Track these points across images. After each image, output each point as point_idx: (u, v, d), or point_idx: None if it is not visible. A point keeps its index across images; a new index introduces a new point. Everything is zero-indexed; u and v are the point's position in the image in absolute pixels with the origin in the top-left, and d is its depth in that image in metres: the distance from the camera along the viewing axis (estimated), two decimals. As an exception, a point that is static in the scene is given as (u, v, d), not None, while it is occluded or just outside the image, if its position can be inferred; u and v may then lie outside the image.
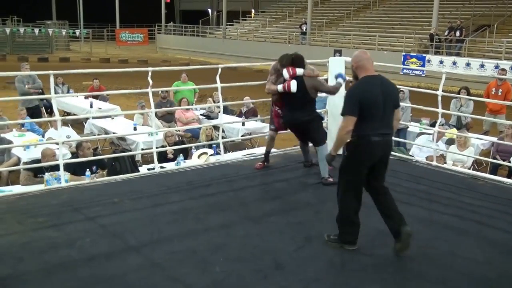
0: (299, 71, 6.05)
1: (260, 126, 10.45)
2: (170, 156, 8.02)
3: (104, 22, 39.49)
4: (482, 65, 20.43)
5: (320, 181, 6.08)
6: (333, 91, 6.35)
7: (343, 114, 4.13)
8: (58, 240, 4.40)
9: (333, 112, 7.11)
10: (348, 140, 4.18)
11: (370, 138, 4.08)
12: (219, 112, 7.87)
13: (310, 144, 6.59)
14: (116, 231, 4.61)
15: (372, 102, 4.06)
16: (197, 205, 5.32)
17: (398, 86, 8.96)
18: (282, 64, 6.15)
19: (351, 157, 4.24)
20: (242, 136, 9.95)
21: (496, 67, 18.84)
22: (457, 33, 22.61)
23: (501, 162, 8.01)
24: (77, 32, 37.10)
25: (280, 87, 6.08)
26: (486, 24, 23.60)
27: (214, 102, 11.62)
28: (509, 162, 8.05)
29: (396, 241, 4.23)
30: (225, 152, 7.92)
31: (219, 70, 6.76)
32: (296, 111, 6.09)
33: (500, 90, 10.60)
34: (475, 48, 22.67)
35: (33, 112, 10.79)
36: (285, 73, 6.06)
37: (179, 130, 10.12)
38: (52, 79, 5.89)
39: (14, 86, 11.52)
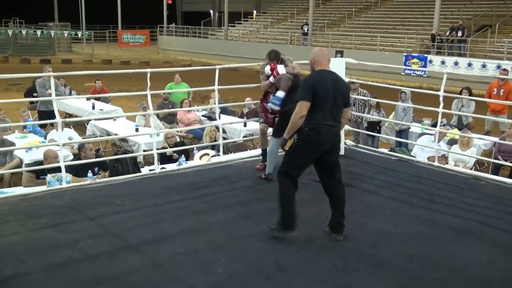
0: (280, 68, 6.06)
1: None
2: (175, 156, 8.01)
3: (106, 24, 39.54)
4: (484, 66, 20.41)
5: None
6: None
7: (298, 99, 4.35)
8: (60, 241, 4.41)
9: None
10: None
11: (320, 129, 4.31)
12: (219, 113, 7.87)
13: None
14: (118, 232, 4.62)
15: (323, 93, 4.29)
16: (199, 205, 5.33)
17: (399, 87, 9.05)
18: (270, 58, 6.16)
19: (300, 145, 4.43)
20: (244, 137, 9.95)
21: (498, 67, 18.83)
22: (459, 33, 22.59)
23: (503, 162, 8.00)
24: (79, 33, 37.14)
25: (271, 79, 6.10)
26: (488, 24, 23.57)
27: (214, 103, 11.65)
28: (511, 162, 8.05)
29: (329, 226, 4.54)
30: (227, 153, 7.94)
31: (217, 72, 6.76)
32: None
33: (502, 90, 10.60)
34: (476, 49, 22.65)
35: (50, 116, 10.53)
36: (267, 69, 6.10)
37: (180, 131, 10.13)
38: (52, 81, 5.90)
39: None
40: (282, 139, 4.65)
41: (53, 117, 10.52)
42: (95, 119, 10.95)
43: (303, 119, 4.31)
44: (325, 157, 4.42)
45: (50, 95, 10.72)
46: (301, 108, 4.30)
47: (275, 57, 6.18)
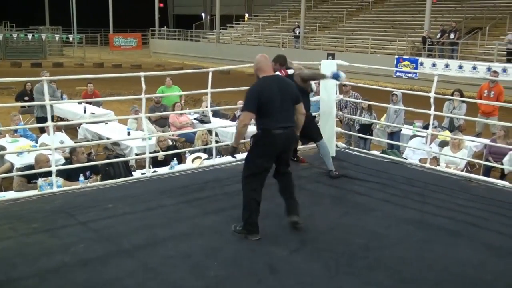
0: (290, 71, 6.13)
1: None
2: (160, 156, 7.99)
3: (98, 27, 39.42)
4: (474, 68, 20.52)
5: (328, 175, 6.39)
6: (314, 76, 6.55)
7: (242, 109, 4.62)
8: (51, 245, 4.39)
9: (325, 112, 7.17)
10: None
11: (272, 131, 4.51)
12: (213, 116, 7.87)
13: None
14: (110, 236, 4.60)
15: (269, 98, 4.50)
16: (191, 209, 5.32)
17: (391, 89, 9.09)
18: (280, 63, 6.16)
19: (255, 149, 4.65)
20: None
21: (488, 69, 18.94)
22: (452, 35, 22.72)
23: (493, 164, 8.05)
24: (71, 37, 37.00)
25: None
26: (478, 27, 23.72)
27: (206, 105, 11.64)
28: (502, 163, 8.10)
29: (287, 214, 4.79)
30: (219, 156, 7.92)
31: (210, 74, 6.76)
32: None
33: (492, 92, 10.67)
34: (467, 51, 22.77)
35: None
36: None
37: (172, 135, 10.11)
38: (45, 85, 5.88)
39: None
40: (230, 147, 4.90)
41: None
42: (86, 123, 10.91)
43: (247, 128, 4.63)
44: (282, 157, 4.70)
45: (50, 100, 10.73)
46: (245, 118, 4.57)
47: (284, 63, 6.20)
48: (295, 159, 6.89)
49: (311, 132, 6.44)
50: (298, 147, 7.03)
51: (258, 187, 4.56)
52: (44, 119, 10.31)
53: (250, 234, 4.55)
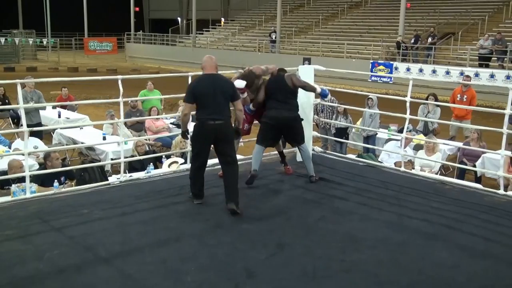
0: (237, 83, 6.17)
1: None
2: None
3: (72, 31, 38.96)
4: (447, 72, 20.86)
5: (309, 179, 6.41)
6: (305, 86, 6.63)
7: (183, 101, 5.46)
8: (26, 253, 4.32)
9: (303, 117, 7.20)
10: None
11: (204, 122, 5.25)
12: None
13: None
14: (85, 243, 4.54)
15: (202, 93, 5.24)
16: (168, 214, 5.29)
17: (367, 93, 9.18)
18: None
19: (194, 135, 5.46)
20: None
21: (461, 73, 19.27)
22: (429, 39, 23.09)
23: (467, 167, 8.17)
24: (45, 41, 36.52)
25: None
26: (451, 32, 24.13)
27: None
28: (474, 166, 8.24)
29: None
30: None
31: (189, 79, 6.73)
32: (282, 109, 6.29)
33: (465, 96, 10.85)
34: (440, 56, 23.14)
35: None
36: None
37: (149, 139, 10.04)
38: (19, 89, 5.79)
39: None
40: (181, 132, 5.77)
41: (39, 131, 10.06)
42: (61, 128, 10.77)
43: (188, 117, 5.51)
44: (218, 146, 5.39)
45: (34, 106, 10.54)
46: (184, 108, 5.51)
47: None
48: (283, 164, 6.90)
49: (297, 135, 6.48)
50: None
51: (199, 164, 5.46)
52: (30, 126, 10.08)
53: (194, 198, 5.52)
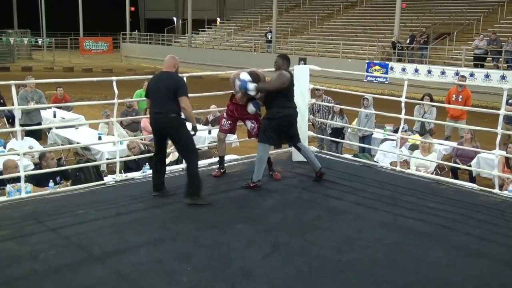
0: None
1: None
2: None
3: (67, 31, 38.85)
4: (443, 72, 20.92)
5: (320, 172, 6.42)
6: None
7: None
8: (21, 253, 4.30)
9: (298, 116, 7.21)
10: None
11: (151, 114, 5.72)
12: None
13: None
14: (81, 242, 4.53)
15: (151, 88, 5.72)
16: (163, 214, 5.29)
17: (362, 94, 9.18)
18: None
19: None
20: (209, 144, 9.92)
21: (456, 74, 19.32)
22: (422, 38, 23.14)
23: (460, 166, 8.20)
24: (40, 40, 36.41)
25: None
26: (446, 32, 24.20)
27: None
28: (469, 166, 8.26)
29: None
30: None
31: (185, 80, 6.71)
32: (293, 107, 6.29)
33: (460, 96, 10.87)
34: (436, 56, 23.20)
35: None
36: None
37: (144, 139, 10.02)
38: (14, 90, 5.77)
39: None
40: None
41: (38, 130, 10.01)
42: (56, 128, 10.74)
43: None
44: (170, 139, 5.89)
45: (34, 107, 10.51)
46: (147, 102, 5.97)
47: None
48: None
49: (297, 133, 6.46)
50: (272, 152, 6.95)
51: (155, 154, 5.91)
52: (28, 127, 10.04)
53: (153, 190, 5.80)
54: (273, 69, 6.35)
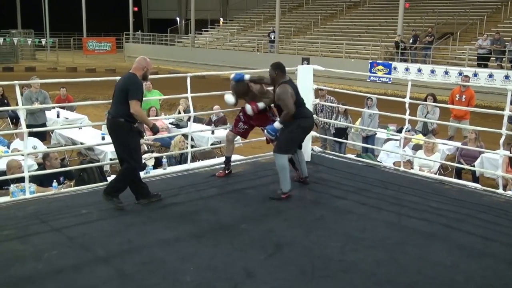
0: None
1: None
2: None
3: (71, 31, 38.95)
4: (446, 72, 20.87)
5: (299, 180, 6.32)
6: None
7: None
8: (24, 253, 4.31)
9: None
10: None
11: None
12: (189, 120, 7.83)
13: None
14: (84, 243, 4.54)
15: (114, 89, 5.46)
16: (166, 214, 5.29)
17: (365, 94, 9.17)
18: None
19: None
20: (212, 144, 9.93)
21: (460, 73, 19.27)
22: (427, 38, 23.11)
23: (465, 166, 8.18)
24: (43, 41, 36.48)
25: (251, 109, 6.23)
26: (450, 32, 24.14)
27: (183, 109, 11.58)
28: (473, 166, 8.24)
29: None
30: (194, 161, 7.90)
31: (188, 80, 6.74)
32: (310, 117, 6.14)
33: (464, 96, 10.85)
34: (439, 56, 23.16)
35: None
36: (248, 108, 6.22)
37: (148, 139, 10.03)
38: (18, 89, 5.78)
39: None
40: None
41: (43, 131, 10.00)
42: (60, 128, 10.75)
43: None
44: (113, 144, 5.51)
45: (39, 107, 10.52)
46: None
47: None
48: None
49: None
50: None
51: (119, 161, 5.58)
52: (35, 127, 10.03)
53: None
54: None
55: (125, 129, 5.30)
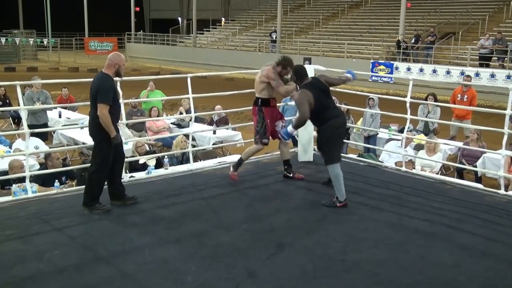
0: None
1: (231, 134, 10.44)
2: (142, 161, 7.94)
3: (73, 31, 38.93)
4: (448, 72, 20.84)
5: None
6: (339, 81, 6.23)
7: None
8: (26, 252, 4.32)
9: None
10: None
11: None
12: (190, 121, 7.83)
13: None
14: (86, 242, 4.55)
15: None
16: (168, 214, 5.29)
17: (367, 94, 9.16)
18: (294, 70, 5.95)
19: None
20: (213, 144, 9.93)
21: (462, 73, 19.24)
22: (429, 38, 23.08)
23: (466, 166, 8.17)
24: (45, 41, 36.51)
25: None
26: (451, 32, 24.12)
27: (184, 109, 11.57)
28: (474, 166, 8.23)
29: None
30: (196, 161, 7.90)
31: (189, 80, 6.74)
32: (336, 116, 5.74)
33: (466, 96, 10.83)
34: (441, 55, 23.13)
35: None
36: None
37: (149, 139, 10.04)
38: (19, 90, 5.79)
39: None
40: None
41: (45, 131, 10.00)
42: (62, 128, 10.76)
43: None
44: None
45: (40, 107, 10.53)
46: None
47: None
48: (290, 174, 6.59)
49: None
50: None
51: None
52: (36, 127, 10.04)
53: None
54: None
55: (97, 131, 5.27)
